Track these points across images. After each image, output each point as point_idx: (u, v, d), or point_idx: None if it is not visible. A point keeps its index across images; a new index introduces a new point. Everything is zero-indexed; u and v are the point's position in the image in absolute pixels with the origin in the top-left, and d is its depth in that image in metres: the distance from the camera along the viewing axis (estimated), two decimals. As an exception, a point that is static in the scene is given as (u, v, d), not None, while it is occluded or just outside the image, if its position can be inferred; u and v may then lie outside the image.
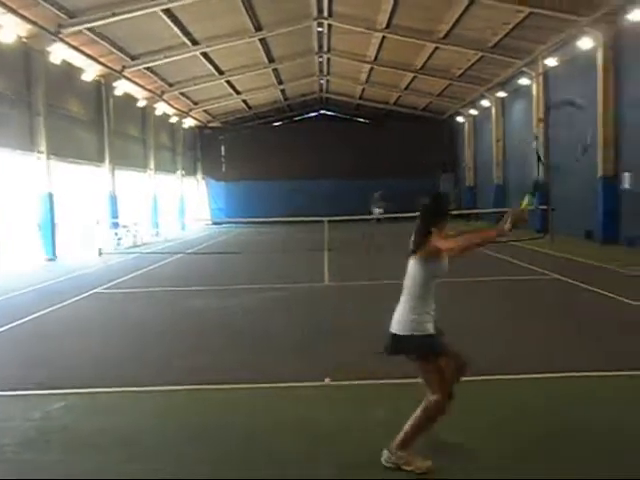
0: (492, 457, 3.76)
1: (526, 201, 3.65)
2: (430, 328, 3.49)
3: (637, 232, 15.42)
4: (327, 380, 5.30)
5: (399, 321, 3.52)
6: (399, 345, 3.52)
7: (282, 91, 32.87)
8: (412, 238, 3.57)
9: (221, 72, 26.10)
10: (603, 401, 4.72)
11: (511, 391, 5.05)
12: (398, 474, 3.51)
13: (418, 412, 3.52)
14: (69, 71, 19.07)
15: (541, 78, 21.31)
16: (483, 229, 3.73)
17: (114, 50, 19.75)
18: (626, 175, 16.41)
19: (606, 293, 9.09)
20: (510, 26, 18.73)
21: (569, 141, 19.42)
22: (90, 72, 20.04)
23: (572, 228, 18.50)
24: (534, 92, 21.77)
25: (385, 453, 3.59)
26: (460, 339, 4.14)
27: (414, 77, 27.75)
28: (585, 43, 17.24)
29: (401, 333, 3.49)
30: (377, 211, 30.39)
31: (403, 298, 3.57)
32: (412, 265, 3.56)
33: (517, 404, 4.67)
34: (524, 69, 21.94)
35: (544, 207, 19.41)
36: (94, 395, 5.24)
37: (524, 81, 22.54)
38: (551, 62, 19.94)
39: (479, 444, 3.92)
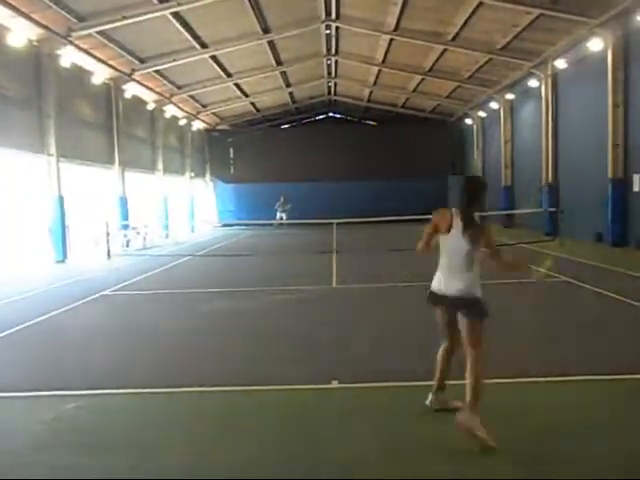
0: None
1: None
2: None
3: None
4: (334, 383, 5.31)
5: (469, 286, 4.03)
6: (472, 303, 4.01)
7: (290, 94, 32.91)
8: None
9: (229, 75, 26.19)
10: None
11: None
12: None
13: (473, 367, 3.88)
14: (79, 74, 19.19)
15: (550, 80, 21.23)
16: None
17: (123, 53, 19.88)
18: (636, 177, 16.30)
19: (618, 297, 9.04)
20: (519, 28, 18.63)
21: (578, 142, 19.38)
22: (100, 75, 20.18)
23: (582, 231, 18.39)
24: (543, 94, 21.69)
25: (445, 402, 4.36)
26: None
27: (422, 79, 27.69)
28: (595, 44, 17.16)
29: (474, 295, 4.03)
30: (280, 216, 29.71)
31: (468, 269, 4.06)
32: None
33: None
34: (533, 71, 21.85)
35: (553, 209, 19.36)
36: (105, 397, 5.23)
37: (533, 83, 22.45)
38: (560, 64, 19.86)
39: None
